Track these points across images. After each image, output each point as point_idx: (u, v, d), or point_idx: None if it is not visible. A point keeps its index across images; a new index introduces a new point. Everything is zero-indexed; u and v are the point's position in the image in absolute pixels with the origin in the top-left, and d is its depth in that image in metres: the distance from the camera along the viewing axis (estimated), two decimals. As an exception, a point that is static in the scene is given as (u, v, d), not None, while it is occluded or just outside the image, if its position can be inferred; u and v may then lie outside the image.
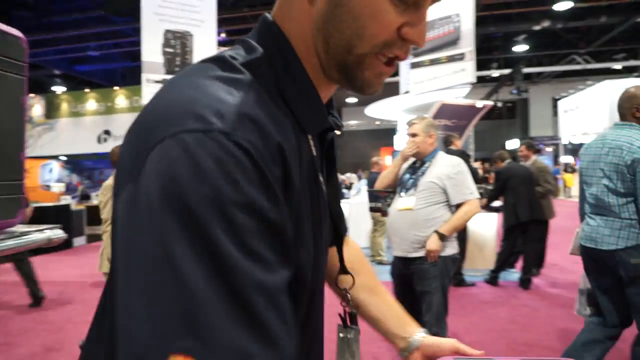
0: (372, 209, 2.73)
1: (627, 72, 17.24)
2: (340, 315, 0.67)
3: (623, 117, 2.35)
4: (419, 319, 2.63)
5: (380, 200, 2.74)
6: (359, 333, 0.68)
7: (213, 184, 0.40)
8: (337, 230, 0.62)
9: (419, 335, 0.78)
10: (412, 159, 2.71)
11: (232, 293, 0.39)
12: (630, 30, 14.30)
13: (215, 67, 0.50)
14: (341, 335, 0.64)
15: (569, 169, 19.29)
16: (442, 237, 2.42)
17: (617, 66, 17.31)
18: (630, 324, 2.43)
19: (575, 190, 18.13)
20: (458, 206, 2.51)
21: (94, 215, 8.15)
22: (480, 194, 6.87)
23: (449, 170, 2.50)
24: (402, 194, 2.59)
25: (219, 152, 0.41)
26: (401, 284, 2.62)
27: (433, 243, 2.40)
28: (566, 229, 9.55)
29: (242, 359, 0.38)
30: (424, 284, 2.46)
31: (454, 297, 4.66)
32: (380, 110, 11.17)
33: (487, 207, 5.86)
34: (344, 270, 0.68)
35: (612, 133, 2.36)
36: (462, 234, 4.97)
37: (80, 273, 6.03)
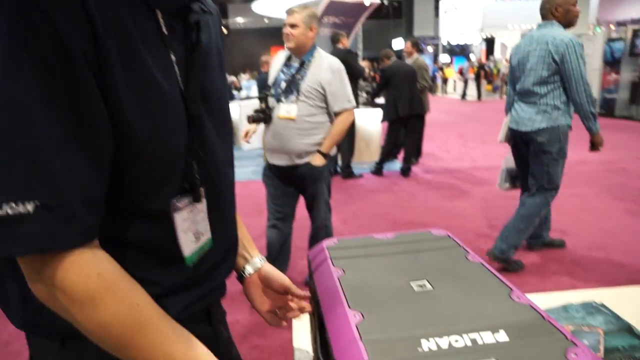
0: (254, 119, 2.58)
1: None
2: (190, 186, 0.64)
3: (544, 17, 2.74)
4: (293, 214, 2.69)
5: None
6: (204, 210, 0.67)
7: (5, 43, 0.46)
8: (189, 111, 0.61)
9: (259, 259, 0.84)
10: (287, 53, 2.51)
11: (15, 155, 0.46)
12: None
13: None
14: (190, 204, 0.65)
15: (444, 66, 20.89)
16: (325, 156, 2.44)
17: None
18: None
19: (450, 88, 19.75)
20: (336, 114, 2.45)
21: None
22: (368, 92, 7.17)
23: (329, 76, 2.38)
24: (282, 99, 2.42)
25: (16, 16, 0.46)
26: (279, 185, 2.59)
27: (318, 162, 2.42)
28: (440, 122, 10.53)
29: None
30: (312, 188, 2.52)
31: (343, 187, 5.03)
32: (268, 7, 10.62)
33: (372, 104, 6.13)
34: (198, 162, 0.65)
35: (537, 32, 2.75)
36: (350, 131, 5.21)
37: None
